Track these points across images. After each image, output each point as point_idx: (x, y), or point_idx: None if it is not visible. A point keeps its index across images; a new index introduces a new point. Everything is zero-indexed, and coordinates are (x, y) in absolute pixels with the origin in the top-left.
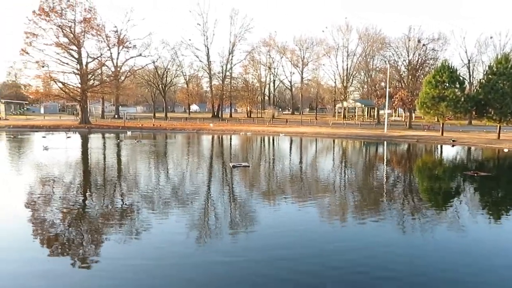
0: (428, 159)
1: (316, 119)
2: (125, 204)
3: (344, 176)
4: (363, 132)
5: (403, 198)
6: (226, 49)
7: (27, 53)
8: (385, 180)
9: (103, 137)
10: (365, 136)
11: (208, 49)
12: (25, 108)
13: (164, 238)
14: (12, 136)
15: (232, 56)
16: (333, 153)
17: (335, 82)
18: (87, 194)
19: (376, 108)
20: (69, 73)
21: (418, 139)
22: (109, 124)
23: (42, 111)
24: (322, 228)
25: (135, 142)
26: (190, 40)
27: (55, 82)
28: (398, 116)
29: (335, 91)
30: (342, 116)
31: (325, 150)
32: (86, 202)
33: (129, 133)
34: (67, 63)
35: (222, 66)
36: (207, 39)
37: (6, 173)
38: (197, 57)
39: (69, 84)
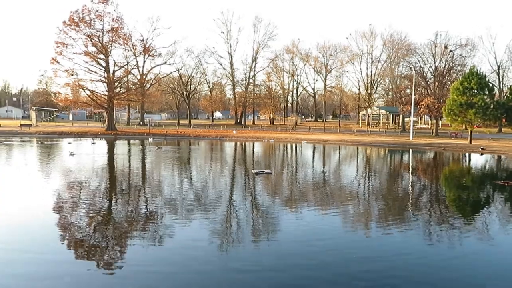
0: (455, 167)
1: (340, 126)
2: (149, 210)
3: (368, 184)
4: (388, 139)
5: (429, 208)
6: (249, 56)
7: (57, 62)
8: (410, 188)
9: (128, 144)
10: (390, 143)
11: (231, 56)
12: (54, 115)
13: (187, 245)
14: (39, 142)
15: (256, 63)
16: (357, 161)
17: (359, 89)
18: (110, 199)
19: (401, 115)
20: (96, 81)
21: (445, 147)
22: (135, 130)
23: (70, 118)
24: (346, 237)
25: (156, 148)
26: (214, 48)
27: (83, 89)
28: (424, 123)
29: (359, 98)
30: (366, 123)
31: (348, 157)
32: (110, 207)
33: (150, 139)
34: (95, 71)
35: (245, 74)
36: (230, 47)
37: (33, 178)
38: (221, 64)
39: (96, 92)
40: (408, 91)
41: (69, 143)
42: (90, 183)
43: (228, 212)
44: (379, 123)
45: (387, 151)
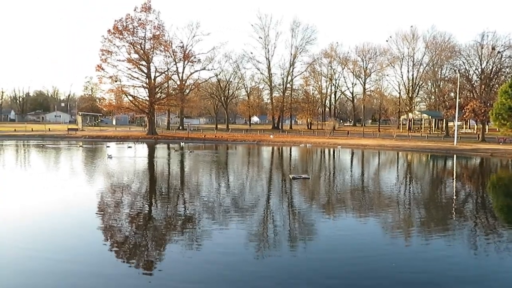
0: (504, 174)
1: (379, 131)
2: (187, 212)
3: (409, 190)
4: (430, 144)
5: (475, 216)
6: (287, 61)
7: (102, 69)
8: (455, 196)
9: (168, 148)
10: (433, 149)
11: (269, 61)
12: (99, 120)
13: (224, 248)
14: (79, 146)
15: (293, 68)
16: (397, 166)
17: (399, 93)
18: (143, 201)
19: (444, 120)
20: (138, 87)
21: (492, 153)
22: (174, 135)
23: (114, 122)
24: (384, 243)
25: (189, 152)
26: (252, 53)
27: (126, 95)
28: (469, 128)
29: (399, 102)
30: (407, 128)
31: (388, 163)
32: (145, 209)
33: (182, 144)
34: (137, 78)
35: (283, 78)
36: (268, 51)
37: (72, 179)
38: (259, 69)
39: (138, 97)
40: (452, 94)
41: (108, 146)
42: (124, 183)
43: (265, 216)
44: (421, 128)
45: (429, 157)
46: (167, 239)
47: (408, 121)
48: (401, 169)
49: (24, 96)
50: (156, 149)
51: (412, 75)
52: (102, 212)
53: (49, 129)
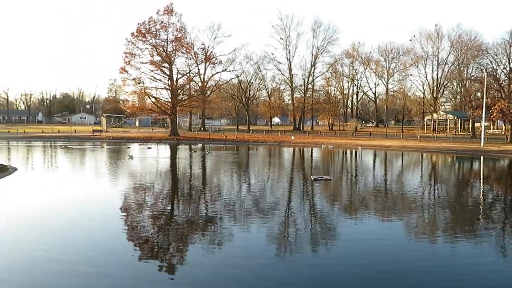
0: None
1: (403, 132)
2: (208, 213)
3: (434, 192)
4: (456, 146)
5: (503, 220)
6: (308, 61)
7: (126, 71)
8: (482, 198)
9: (190, 149)
10: (458, 150)
11: (290, 62)
12: (123, 121)
13: (245, 249)
14: (101, 147)
15: (314, 68)
16: (421, 168)
17: (423, 93)
18: (164, 200)
19: (470, 120)
20: (161, 88)
21: None
22: (196, 136)
23: (137, 124)
24: (409, 247)
25: (207, 153)
26: (273, 54)
27: (149, 97)
28: (497, 128)
29: (423, 102)
30: (431, 128)
31: (412, 164)
32: (165, 208)
33: (200, 144)
34: (159, 80)
35: (304, 79)
36: (289, 52)
37: (92, 179)
38: (280, 70)
39: (161, 99)
40: (478, 94)
41: (128, 147)
42: (142, 186)
43: (286, 218)
44: (446, 129)
45: (455, 158)
46: (188, 241)
47: (432, 121)
48: (425, 171)
49: (51, 98)
50: (175, 150)
51: (437, 74)
52: (121, 213)
53: (75, 130)
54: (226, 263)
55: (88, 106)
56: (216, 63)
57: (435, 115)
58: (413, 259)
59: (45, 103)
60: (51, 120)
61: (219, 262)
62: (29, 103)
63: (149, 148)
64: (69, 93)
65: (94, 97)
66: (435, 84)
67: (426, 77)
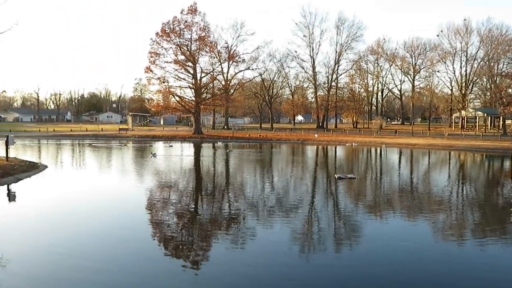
0: None
1: (429, 129)
2: (232, 211)
3: (463, 192)
4: (486, 144)
5: None
6: (332, 59)
7: (151, 70)
8: None
9: (213, 147)
10: (488, 148)
11: (313, 60)
12: (148, 120)
13: (268, 247)
14: (123, 145)
15: (338, 66)
16: (449, 167)
17: (451, 90)
18: (184, 197)
19: (501, 117)
20: (185, 87)
21: None
22: (219, 134)
23: (161, 122)
24: (437, 248)
25: (228, 151)
26: (296, 52)
27: (173, 96)
28: None
29: (451, 99)
30: (459, 126)
31: (439, 163)
32: (185, 205)
33: (219, 143)
34: (183, 79)
35: (327, 76)
36: (312, 50)
37: (114, 176)
38: (303, 68)
39: (185, 98)
40: (510, 90)
41: (151, 145)
42: (165, 182)
43: (309, 216)
44: (475, 126)
45: (484, 157)
46: (211, 239)
47: (461, 119)
48: (453, 170)
49: (79, 98)
50: (198, 148)
51: (465, 70)
52: (144, 210)
53: (102, 129)
54: (248, 261)
55: (114, 105)
56: (239, 61)
57: (463, 112)
58: (440, 261)
59: (73, 103)
60: (79, 119)
61: (241, 260)
62: (58, 103)
63: (170, 146)
64: (96, 93)
65: (120, 96)
66: (463, 80)
67: (454, 73)
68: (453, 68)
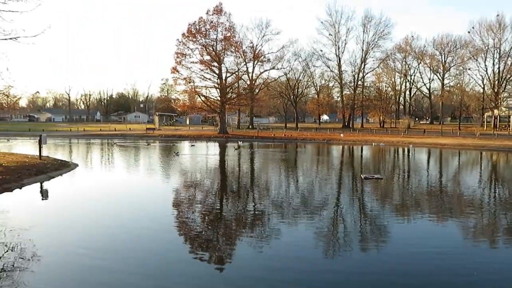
0: None
1: (460, 129)
2: (257, 209)
3: (495, 193)
4: None
5: None
6: (358, 57)
7: (177, 71)
8: None
9: (238, 146)
10: None
11: (339, 58)
12: (174, 120)
13: (293, 247)
14: (146, 144)
15: (365, 64)
16: (481, 167)
17: (483, 88)
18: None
19: None
20: (210, 87)
21: None
22: (244, 134)
23: (187, 122)
24: (466, 251)
25: (249, 150)
26: (321, 51)
27: (199, 96)
28: None
29: (483, 98)
30: (492, 126)
31: (470, 163)
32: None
33: (240, 142)
34: (209, 79)
35: (354, 75)
36: (338, 48)
37: (137, 174)
38: (328, 67)
39: (210, 97)
40: None
41: (173, 144)
42: (188, 181)
43: (335, 216)
44: (509, 126)
45: None
46: (236, 236)
47: (493, 118)
48: (485, 171)
49: (108, 98)
50: (221, 147)
51: (498, 68)
52: (165, 207)
53: (130, 128)
54: (274, 260)
55: (142, 105)
56: (264, 61)
57: (496, 111)
58: (470, 262)
59: (102, 103)
60: (108, 118)
61: (267, 259)
62: (88, 103)
63: (192, 145)
64: (124, 93)
65: (147, 96)
66: (496, 78)
67: (486, 71)
68: (485, 65)
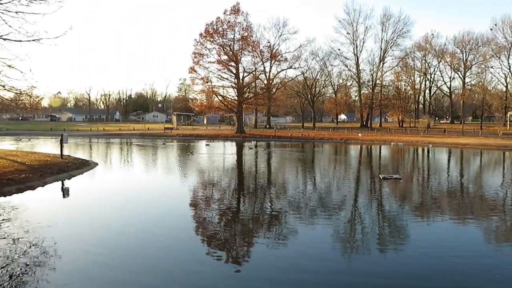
0: None
1: (481, 128)
2: (273, 209)
3: None
4: None
5: None
6: (376, 56)
7: (195, 71)
8: None
9: (256, 146)
10: None
11: (357, 57)
12: (191, 119)
13: (310, 248)
14: (161, 143)
15: (383, 63)
16: (504, 168)
17: (506, 86)
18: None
19: None
20: (228, 87)
21: None
22: (261, 133)
23: (205, 121)
24: (488, 254)
25: (263, 149)
26: (339, 50)
27: (216, 95)
28: None
29: (506, 96)
30: None
31: (492, 164)
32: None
33: (253, 142)
34: (226, 78)
35: (372, 74)
36: (356, 47)
37: (157, 173)
38: (346, 66)
39: (227, 97)
40: None
41: (189, 144)
42: (203, 177)
43: (352, 217)
44: None
45: None
46: (253, 235)
47: None
48: (508, 171)
49: (127, 98)
50: (238, 147)
51: None
52: (183, 205)
53: (148, 128)
54: (290, 261)
55: (160, 105)
56: (282, 60)
57: None
58: (491, 265)
59: (121, 103)
60: (127, 118)
61: (283, 258)
62: (108, 103)
63: (207, 145)
64: (143, 93)
65: (165, 96)
66: None
67: (509, 69)
68: (509, 63)
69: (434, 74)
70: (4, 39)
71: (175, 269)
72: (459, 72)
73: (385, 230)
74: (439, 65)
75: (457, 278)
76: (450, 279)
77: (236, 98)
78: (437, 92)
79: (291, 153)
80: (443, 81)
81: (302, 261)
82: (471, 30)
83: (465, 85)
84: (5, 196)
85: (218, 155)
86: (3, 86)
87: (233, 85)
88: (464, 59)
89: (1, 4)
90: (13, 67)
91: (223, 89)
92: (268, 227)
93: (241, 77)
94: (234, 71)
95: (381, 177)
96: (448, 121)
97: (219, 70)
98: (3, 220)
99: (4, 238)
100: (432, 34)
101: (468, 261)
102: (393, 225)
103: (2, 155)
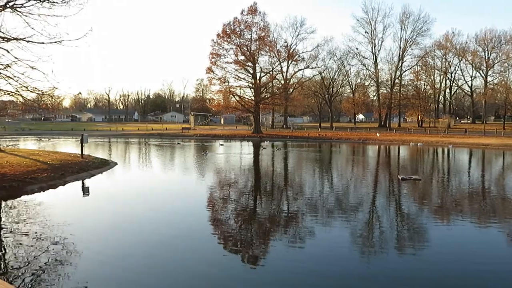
0: None
1: (504, 128)
2: (290, 209)
3: None
4: None
5: None
6: (395, 55)
7: (212, 71)
8: None
9: (272, 146)
10: None
11: (375, 56)
12: (209, 119)
13: (327, 249)
14: (177, 143)
15: (402, 62)
16: None
17: None
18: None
19: None
20: (245, 87)
21: None
22: (278, 133)
23: (222, 122)
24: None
25: (277, 149)
26: (357, 49)
27: (233, 95)
28: None
29: None
30: None
31: None
32: (246, 203)
33: (267, 142)
34: (243, 78)
35: (390, 74)
36: (375, 46)
37: (174, 172)
38: (364, 65)
39: (244, 97)
40: None
41: (203, 144)
42: (215, 177)
43: (370, 218)
44: None
45: None
46: (270, 236)
47: None
48: None
49: (145, 98)
50: (255, 147)
51: None
52: (200, 204)
53: (166, 128)
54: (307, 259)
55: (177, 105)
56: (299, 60)
57: None
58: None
59: (140, 103)
60: (145, 118)
61: (299, 261)
62: (126, 103)
63: (221, 145)
64: (161, 93)
65: (183, 96)
66: None
67: None
68: None
69: (455, 73)
70: (28, 41)
71: (189, 270)
72: (480, 71)
73: (404, 233)
74: (460, 64)
75: (480, 285)
76: (472, 285)
77: (253, 98)
78: (457, 91)
79: (308, 153)
80: (464, 80)
81: (318, 264)
82: (493, 28)
83: (487, 84)
84: (28, 194)
85: (234, 155)
86: (26, 87)
87: (250, 85)
88: (486, 58)
89: (24, 7)
90: (35, 69)
91: (240, 89)
92: (285, 228)
93: (258, 77)
94: (251, 71)
95: (400, 178)
96: (469, 121)
97: (236, 70)
98: (26, 217)
99: (27, 235)
100: (453, 32)
101: (490, 268)
102: (412, 228)
103: (26, 155)
